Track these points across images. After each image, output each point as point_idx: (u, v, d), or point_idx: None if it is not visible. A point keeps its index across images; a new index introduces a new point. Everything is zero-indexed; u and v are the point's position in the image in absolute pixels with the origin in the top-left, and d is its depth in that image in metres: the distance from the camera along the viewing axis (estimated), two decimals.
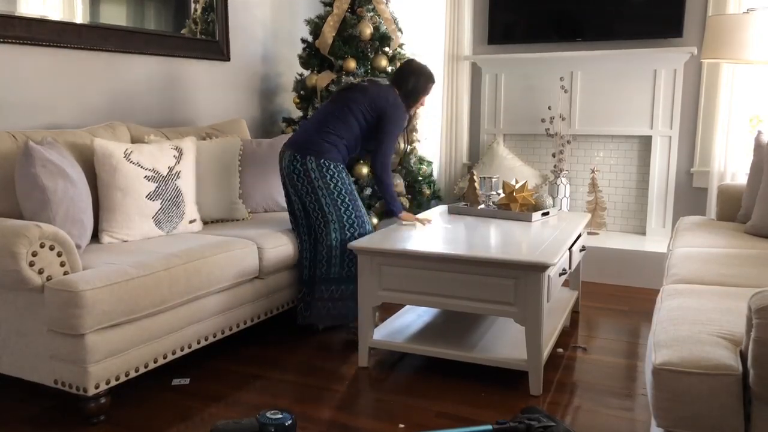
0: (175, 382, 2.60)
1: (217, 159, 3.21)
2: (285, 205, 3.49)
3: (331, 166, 2.90)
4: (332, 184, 2.90)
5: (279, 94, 4.62)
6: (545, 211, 3.20)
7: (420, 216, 3.14)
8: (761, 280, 2.18)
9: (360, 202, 2.98)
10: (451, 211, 3.35)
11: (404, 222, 3.05)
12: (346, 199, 2.92)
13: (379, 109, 2.96)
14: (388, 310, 3.30)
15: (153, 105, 3.58)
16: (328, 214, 2.91)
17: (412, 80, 3.06)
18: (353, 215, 2.93)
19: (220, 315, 2.70)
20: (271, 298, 3.00)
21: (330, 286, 2.93)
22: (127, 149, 2.76)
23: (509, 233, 2.83)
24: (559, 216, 3.28)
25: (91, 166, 2.74)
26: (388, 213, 3.12)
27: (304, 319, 3.03)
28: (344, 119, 2.95)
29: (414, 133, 4.15)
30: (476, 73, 4.65)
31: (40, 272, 2.16)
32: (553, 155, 4.38)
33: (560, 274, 2.66)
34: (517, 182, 3.27)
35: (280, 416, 1.76)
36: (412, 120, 3.42)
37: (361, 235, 2.92)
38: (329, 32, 4.05)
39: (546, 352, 2.55)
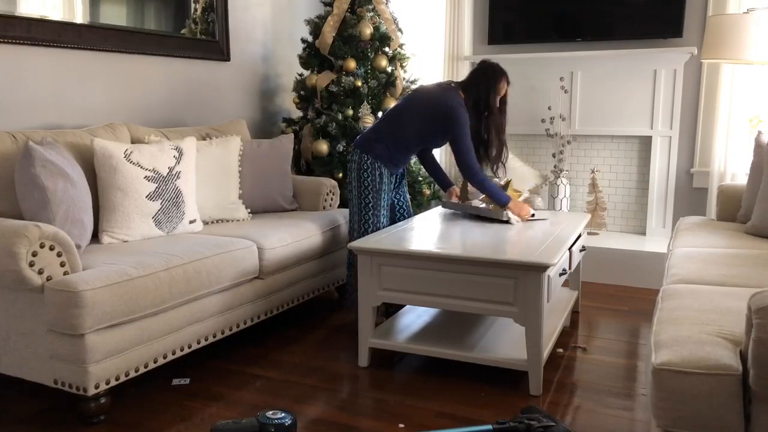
0: (175, 382, 2.60)
1: (217, 159, 3.21)
2: (285, 205, 3.50)
3: (368, 161, 3.04)
4: (362, 178, 3.06)
5: (279, 94, 4.62)
6: (531, 213, 3.09)
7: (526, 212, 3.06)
8: (761, 280, 2.18)
9: (381, 205, 3.07)
10: (444, 206, 3.43)
11: (512, 219, 3.00)
12: (368, 197, 3.06)
13: (441, 112, 2.99)
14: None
15: (153, 105, 3.58)
16: (352, 205, 3.12)
17: (482, 84, 3.06)
18: (369, 217, 3.08)
19: (220, 315, 2.70)
20: (270, 298, 3.00)
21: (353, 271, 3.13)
22: (127, 149, 2.76)
23: (509, 234, 2.83)
24: (558, 216, 3.27)
25: (91, 166, 2.74)
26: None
27: (348, 303, 3.22)
28: (399, 121, 3.06)
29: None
30: None
31: (40, 272, 2.16)
32: (553, 155, 4.38)
33: (560, 274, 2.66)
34: (507, 183, 3.18)
35: (280, 416, 1.76)
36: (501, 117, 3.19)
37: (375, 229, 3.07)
38: (329, 32, 4.05)
39: (546, 352, 2.55)
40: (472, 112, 3.04)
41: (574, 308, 3.39)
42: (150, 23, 3.50)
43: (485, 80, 3.05)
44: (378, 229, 3.06)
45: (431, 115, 3.01)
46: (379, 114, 4.08)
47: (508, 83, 3.12)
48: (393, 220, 3.29)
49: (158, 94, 3.61)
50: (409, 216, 3.30)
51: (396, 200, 3.30)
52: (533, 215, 3.11)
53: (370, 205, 3.05)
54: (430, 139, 3.11)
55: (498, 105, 3.11)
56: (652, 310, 2.90)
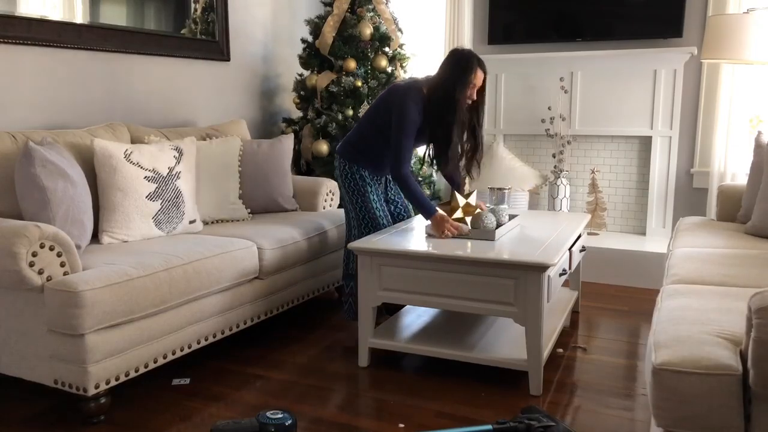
0: (175, 382, 2.60)
1: (217, 159, 3.21)
2: (285, 205, 3.50)
3: (345, 166, 3.00)
4: (346, 185, 3.01)
5: (279, 94, 4.62)
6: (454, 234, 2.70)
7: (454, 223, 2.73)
8: (761, 280, 2.18)
9: (370, 207, 2.95)
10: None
11: (432, 231, 2.74)
12: (357, 201, 2.99)
13: (387, 101, 2.84)
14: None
15: (153, 105, 3.58)
16: (346, 214, 3.08)
17: (443, 78, 2.82)
18: (366, 222, 2.98)
19: (220, 315, 2.70)
20: (270, 299, 3.00)
21: (350, 281, 3.07)
22: (127, 149, 2.76)
23: (509, 234, 2.83)
24: (558, 216, 3.27)
25: (91, 166, 2.74)
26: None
27: (344, 313, 3.13)
28: (361, 121, 3.02)
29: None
30: None
31: (40, 272, 2.16)
32: (553, 156, 4.38)
33: (560, 274, 2.66)
34: (469, 194, 2.86)
35: (280, 416, 1.76)
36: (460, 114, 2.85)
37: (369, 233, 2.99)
38: (329, 32, 4.05)
39: (546, 352, 2.55)
40: (438, 108, 2.80)
41: (574, 308, 3.39)
42: (150, 23, 3.50)
43: (452, 74, 2.80)
44: (379, 227, 2.96)
45: (381, 108, 2.88)
46: None
47: (484, 73, 2.87)
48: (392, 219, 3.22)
49: (158, 94, 3.61)
50: (408, 216, 3.26)
51: (393, 201, 3.23)
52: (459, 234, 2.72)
53: (363, 208, 2.97)
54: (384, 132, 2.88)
55: (471, 99, 2.87)
56: (652, 310, 2.89)
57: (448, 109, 2.80)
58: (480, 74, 2.86)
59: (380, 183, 3.13)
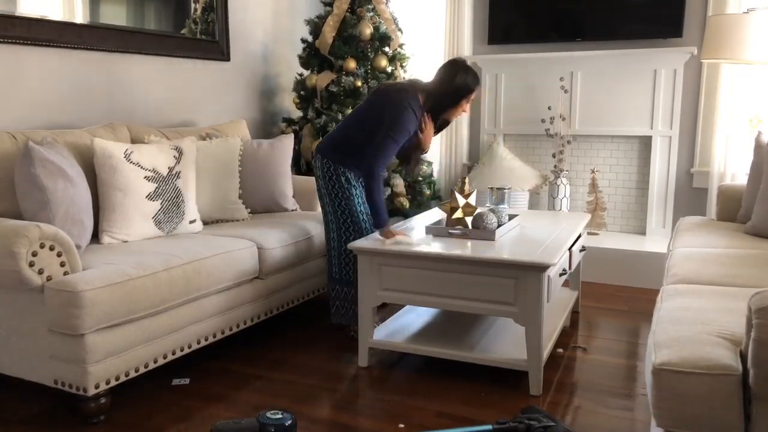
0: (175, 382, 2.60)
1: (217, 159, 3.21)
2: (285, 206, 3.50)
3: (330, 168, 2.88)
4: (327, 187, 2.90)
5: (279, 94, 4.62)
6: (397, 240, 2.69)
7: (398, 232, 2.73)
8: (761, 280, 2.18)
9: (352, 211, 2.88)
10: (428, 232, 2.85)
11: (385, 239, 2.69)
12: (342, 204, 2.88)
13: (380, 104, 2.81)
14: (388, 310, 3.30)
15: (153, 105, 3.58)
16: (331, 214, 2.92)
17: (442, 93, 2.80)
18: (352, 225, 2.89)
19: (219, 315, 2.70)
20: (270, 299, 3.00)
21: (335, 285, 2.98)
22: (127, 149, 2.76)
23: (508, 234, 2.83)
24: (558, 216, 3.27)
25: (91, 166, 2.74)
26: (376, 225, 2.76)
27: (331, 317, 3.03)
28: (345, 120, 2.96)
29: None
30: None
31: (40, 272, 2.16)
32: (553, 155, 4.38)
33: (560, 274, 2.66)
34: (469, 194, 2.82)
35: (280, 416, 1.76)
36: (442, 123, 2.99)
37: (356, 237, 2.88)
38: (329, 32, 4.05)
39: (546, 352, 2.55)
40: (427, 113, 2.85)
41: (574, 308, 3.38)
42: (150, 23, 3.50)
43: (450, 95, 2.80)
44: (362, 231, 2.86)
45: (375, 108, 2.81)
46: None
47: (477, 94, 2.91)
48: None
49: (158, 94, 3.61)
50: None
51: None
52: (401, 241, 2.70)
53: (346, 211, 2.86)
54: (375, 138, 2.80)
55: (464, 112, 2.92)
56: (652, 310, 2.89)
57: (437, 124, 2.94)
58: (474, 96, 2.86)
59: (362, 185, 2.92)
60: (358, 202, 2.89)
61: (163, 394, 2.49)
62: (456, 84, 2.79)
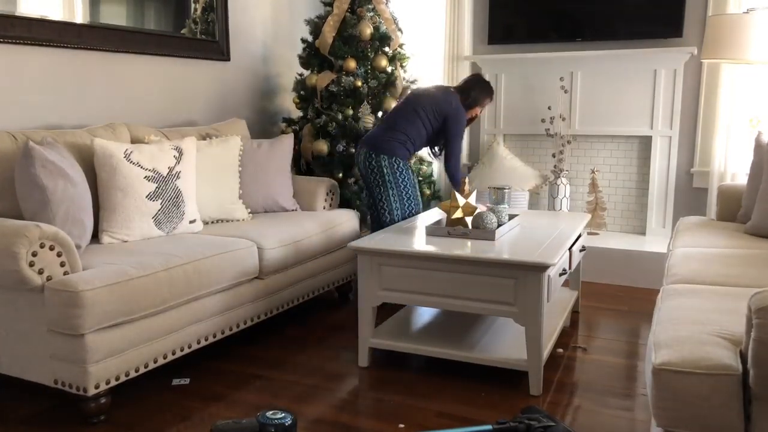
0: (175, 382, 2.60)
1: (218, 159, 3.21)
2: (285, 205, 3.50)
3: (400, 164, 3.34)
4: (400, 180, 3.35)
5: (279, 94, 4.62)
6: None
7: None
8: (761, 280, 2.18)
9: (419, 195, 3.46)
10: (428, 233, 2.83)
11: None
12: (409, 192, 3.38)
13: (443, 112, 3.36)
14: (388, 310, 3.30)
15: (153, 105, 3.58)
16: (393, 202, 3.35)
17: (474, 92, 3.46)
18: (413, 208, 3.40)
19: (219, 315, 2.70)
20: (270, 298, 3.00)
21: None
22: (127, 149, 2.76)
23: (508, 234, 2.83)
24: (558, 216, 3.27)
25: (91, 166, 2.74)
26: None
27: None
28: (412, 121, 3.37)
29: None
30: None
31: (40, 272, 2.16)
32: (553, 155, 4.38)
33: (560, 274, 2.66)
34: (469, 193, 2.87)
35: (280, 416, 1.76)
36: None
37: None
38: (329, 32, 4.05)
39: (546, 352, 2.55)
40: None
41: (574, 308, 3.39)
42: (150, 23, 3.50)
43: (480, 92, 3.48)
44: (419, 211, 3.42)
45: (439, 114, 3.37)
46: (379, 114, 4.08)
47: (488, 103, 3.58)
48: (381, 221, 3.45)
49: (158, 94, 3.61)
50: (418, 211, 3.49)
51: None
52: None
53: (411, 199, 3.38)
54: (436, 137, 3.46)
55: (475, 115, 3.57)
56: (652, 310, 2.90)
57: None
58: (487, 103, 3.58)
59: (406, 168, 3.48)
60: (414, 183, 3.42)
61: (163, 394, 2.49)
62: (481, 91, 3.49)
